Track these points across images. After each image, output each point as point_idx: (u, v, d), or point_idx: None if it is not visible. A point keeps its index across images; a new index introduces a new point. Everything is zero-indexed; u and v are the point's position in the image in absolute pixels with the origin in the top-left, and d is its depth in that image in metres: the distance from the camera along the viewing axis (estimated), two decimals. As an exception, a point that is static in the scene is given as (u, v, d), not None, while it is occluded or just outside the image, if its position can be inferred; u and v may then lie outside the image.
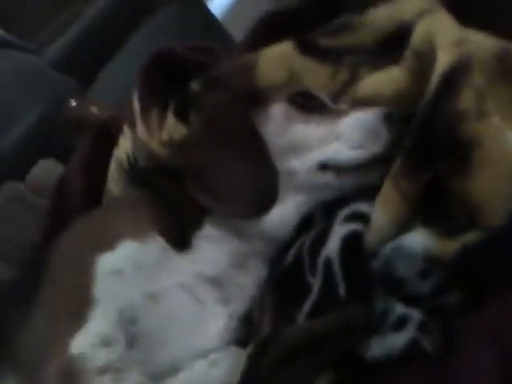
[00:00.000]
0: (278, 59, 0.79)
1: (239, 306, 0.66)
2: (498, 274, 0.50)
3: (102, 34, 2.30)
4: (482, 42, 0.60)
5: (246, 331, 0.68)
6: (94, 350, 0.55)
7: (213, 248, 0.66)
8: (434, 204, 0.58)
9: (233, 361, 0.59)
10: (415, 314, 0.53)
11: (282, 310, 0.61)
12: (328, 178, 0.64)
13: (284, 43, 0.79)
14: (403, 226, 0.57)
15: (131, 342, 0.59)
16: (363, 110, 0.65)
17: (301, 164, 0.65)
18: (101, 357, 0.54)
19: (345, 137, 0.63)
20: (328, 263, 0.56)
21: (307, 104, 0.68)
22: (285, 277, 0.62)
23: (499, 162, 0.54)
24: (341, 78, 0.74)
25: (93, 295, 0.58)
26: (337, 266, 0.56)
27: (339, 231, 0.58)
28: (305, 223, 0.65)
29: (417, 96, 0.60)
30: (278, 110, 0.69)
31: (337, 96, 0.74)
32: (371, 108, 0.65)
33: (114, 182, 0.99)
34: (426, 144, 0.56)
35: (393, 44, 0.69)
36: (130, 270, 0.61)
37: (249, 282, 0.67)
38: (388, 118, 0.62)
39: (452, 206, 0.57)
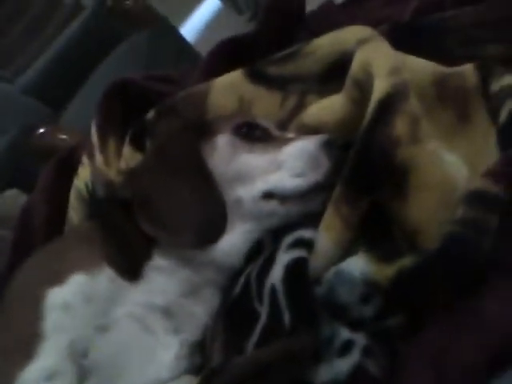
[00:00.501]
0: (228, 88, 0.80)
1: (190, 334, 0.66)
2: (433, 298, 0.51)
3: (74, 61, 2.31)
4: (419, 69, 0.62)
5: (199, 359, 0.68)
6: None
7: (163, 278, 0.67)
8: (376, 227, 0.59)
9: None
10: (360, 339, 0.53)
11: (231, 339, 0.61)
12: (273, 206, 0.64)
13: (235, 72, 0.80)
14: (347, 251, 0.58)
15: (84, 374, 0.59)
16: (305, 138, 0.66)
17: (246, 193, 0.65)
18: None
19: (287, 165, 0.64)
20: (273, 291, 0.57)
21: (251, 134, 0.69)
22: (234, 305, 0.62)
23: (434, 187, 0.55)
24: (289, 106, 0.75)
25: (42, 330, 0.59)
26: (281, 294, 0.56)
27: (283, 259, 0.58)
28: (255, 250, 0.65)
29: (357, 124, 0.61)
30: (223, 141, 0.70)
31: (285, 123, 0.75)
32: (313, 136, 0.66)
33: (74, 211, 0.99)
34: (363, 171, 0.57)
35: (337, 72, 0.70)
36: (78, 304, 0.62)
37: (200, 310, 0.67)
38: (328, 146, 0.63)
39: (393, 229, 0.58)
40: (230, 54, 0.91)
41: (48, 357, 0.57)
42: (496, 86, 0.60)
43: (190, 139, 0.70)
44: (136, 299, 0.65)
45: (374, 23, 0.77)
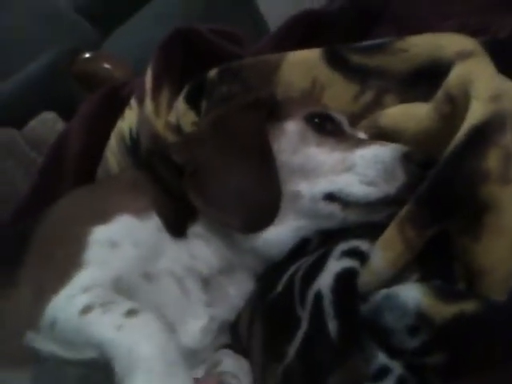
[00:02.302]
0: (303, 65, 0.75)
1: (222, 311, 0.65)
2: (485, 351, 0.48)
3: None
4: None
5: (225, 340, 0.67)
6: (72, 299, 0.54)
7: (205, 247, 0.65)
8: (437, 258, 0.56)
9: None
10: (397, 368, 0.51)
11: (271, 341, 0.59)
12: (333, 209, 0.61)
13: (313, 50, 0.75)
14: (401, 274, 0.55)
15: None
16: (382, 144, 0.62)
17: (307, 189, 0.62)
18: (81, 301, 0.53)
19: (358, 170, 0.60)
20: (319, 298, 0.54)
21: (323, 126, 0.65)
22: (275, 305, 0.60)
23: (510, 231, 0.51)
24: (364, 100, 0.71)
25: (84, 260, 0.57)
26: (328, 302, 0.53)
27: (334, 266, 0.56)
28: (301, 248, 0.63)
29: (441, 141, 0.57)
30: (293, 128, 0.66)
31: (356, 119, 0.71)
32: (390, 144, 0.61)
33: (112, 154, 0.96)
34: (441, 197, 0.53)
35: (424, 78, 0.66)
36: (126, 245, 0.60)
37: (234, 291, 0.65)
38: (406, 160, 0.59)
39: (455, 265, 0.55)
40: (307, 26, 0.85)
41: (87, 279, 0.56)
42: None
43: (258, 117, 0.66)
44: (179, 258, 0.63)
45: (467, 29, 0.71)
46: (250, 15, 1.95)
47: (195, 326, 0.62)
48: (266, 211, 0.61)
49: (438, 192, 0.53)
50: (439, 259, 0.56)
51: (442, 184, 0.53)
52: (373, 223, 0.59)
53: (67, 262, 0.57)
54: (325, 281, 0.54)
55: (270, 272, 0.64)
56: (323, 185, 0.61)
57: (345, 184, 0.60)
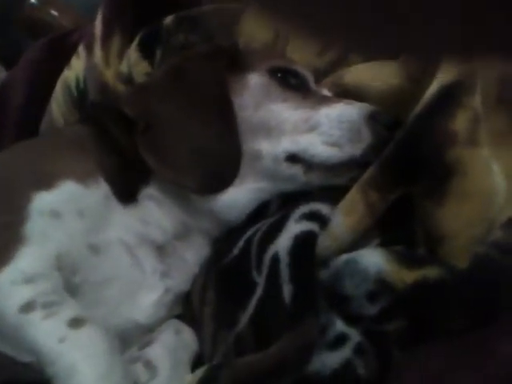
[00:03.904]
0: (265, 16, 0.70)
1: (178, 282, 0.61)
2: (446, 318, 0.47)
3: None
4: (488, 63, 0.55)
5: (178, 311, 0.63)
6: (14, 287, 0.49)
7: (158, 211, 0.60)
8: (399, 223, 0.54)
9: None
10: (355, 335, 0.50)
11: (224, 308, 0.56)
12: (295, 171, 0.57)
13: None
14: (361, 239, 0.53)
15: (72, 293, 0.52)
16: (347, 102, 0.58)
17: (269, 149, 0.58)
18: (22, 294, 0.48)
19: (322, 129, 0.57)
20: (275, 260, 0.52)
21: (288, 81, 0.61)
22: (229, 271, 0.57)
23: (477, 198, 0.50)
24: (328, 57, 0.67)
25: (24, 233, 0.52)
26: (284, 265, 0.51)
27: (293, 228, 0.53)
28: (259, 212, 0.59)
29: (408, 101, 0.54)
30: (256, 81, 0.61)
31: (320, 75, 0.67)
32: (356, 103, 0.58)
33: (57, 104, 0.90)
34: (407, 159, 0.51)
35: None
36: (70, 215, 0.55)
37: (191, 257, 0.62)
38: (373, 120, 0.56)
39: (416, 230, 0.53)
40: None
41: (29, 261, 0.51)
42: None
43: (219, 67, 0.61)
44: (130, 225, 0.58)
45: None
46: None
47: (149, 299, 0.58)
48: (224, 171, 0.57)
49: (403, 155, 0.51)
50: (400, 224, 0.54)
51: (407, 146, 0.51)
52: (335, 186, 0.57)
53: (7, 235, 0.52)
54: (282, 243, 0.52)
55: (226, 236, 0.61)
56: (286, 145, 0.57)
57: (308, 144, 0.56)
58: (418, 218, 0.52)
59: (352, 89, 0.62)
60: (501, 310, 0.45)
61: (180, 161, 0.57)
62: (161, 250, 0.60)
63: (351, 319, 0.50)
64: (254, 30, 0.70)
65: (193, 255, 0.61)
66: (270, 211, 0.59)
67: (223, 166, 0.57)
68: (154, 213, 0.60)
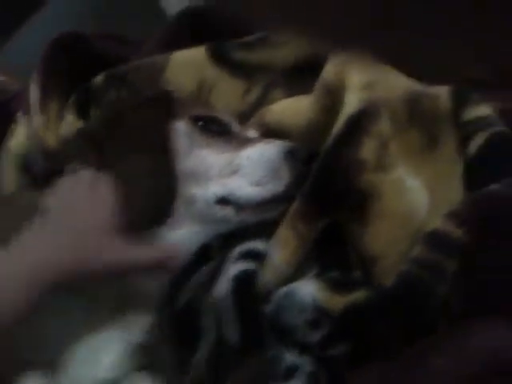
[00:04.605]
0: (189, 66, 0.74)
1: (136, 332, 0.60)
2: (381, 336, 0.49)
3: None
4: (392, 85, 0.59)
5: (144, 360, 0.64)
6: None
7: None
8: (334, 249, 0.57)
9: None
10: (306, 364, 0.52)
11: (178, 353, 0.58)
12: (227, 212, 0.60)
13: (198, 49, 0.74)
14: (300, 269, 0.56)
15: None
16: (267, 142, 0.62)
17: (200, 193, 0.60)
18: None
19: (245, 171, 0.59)
20: (218, 304, 0.54)
21: (209, 128, 0.64)
22: (180, 317, 0.59)
23: (395, 217, 0.54)
24: (252, 97, 0.71)
25: None
26: (227, 308, 0.53)
27: (231, 270, 0.55)
28: (202, 255, 0.62)
29: (325, 134, 0.58)
30: (182, 129, 0.64)
31: (246, 116, 0.70)
32: (275, 142, 0.61)
33: (8, 177, 0.91)
34: (324, 190, 0.54)
35: (309, 69, 0.66)
36: None
37: (145, 305, 0.61)
38: (290, 157, 0.59)
39: (350, 255, 0.56)
40: (192, 24, 0.83)
41: None
42: (469, 114, 0.58)
43: (157, 113, 0.64)
44: None
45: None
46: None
47: (110, 355, 0.58)
48: (156, 209, 0.59)
49: (321, 186, 0.54)
50: (336, 249, 0.57)
51: (323, 178, 0.54)
52: (269, 221, 0.59)
53: None
54: (222, 287, 0.54)
55: (174, 280, 0.63)
56: (214, 188, 0.60)
57: (234, 187, 0.59)
58: (349, 242, 0.56)
59: (274, 127, 0.66)
60: (428, 323, 0.48)
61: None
62: None
63: (301, 349, 0.52)
64: (178, 81, 0.73)
65: (146, 302, 0.61)
66: (213, 253, 0.62)
67: (156, 204, 0.59)
68: None
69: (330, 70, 0.60)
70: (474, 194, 0.52)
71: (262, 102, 0.70)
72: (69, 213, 0.57)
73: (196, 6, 0.88)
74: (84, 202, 0.57)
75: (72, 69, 0.86)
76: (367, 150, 0.53)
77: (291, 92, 0.69)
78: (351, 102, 0.55)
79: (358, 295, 0.50)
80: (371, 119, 0.54)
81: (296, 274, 0.56)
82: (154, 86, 0.74)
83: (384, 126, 0.55)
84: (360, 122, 0.54)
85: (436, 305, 0.47)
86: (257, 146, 0.61)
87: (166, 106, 0.66)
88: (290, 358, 0.52)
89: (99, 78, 0.79)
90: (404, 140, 0.58)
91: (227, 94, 0.71)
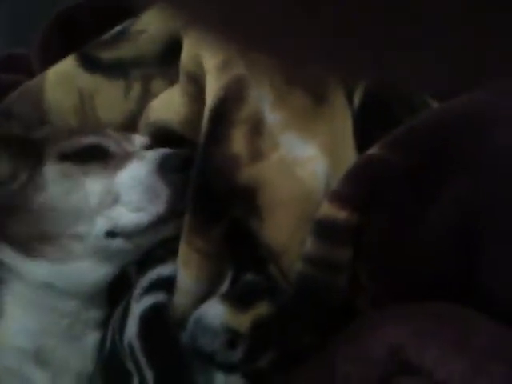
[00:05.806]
0: (64, 80, 0.67)
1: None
2: (296, 340, 0.45)
3: None
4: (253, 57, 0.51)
5: None
6: None
7: (23, 311, 0.57)
8: (246, 252, 0.52)
9: None
10: (236, 382, 0.49)
11: None
12: (119, 243, 0.55)
13: (68, 59, 0.67)
14: (213, 284, 0.52)
15: None
16: (138, 158, 0.55)
17: (87, 231, 0.55)
18: None
19: (123, 199, 0.54)
20: (131, 348, 0.50)
21: (82, 156, 0.57)
22: (107, 362, 0.55)
23: (288, 202, 0.48)
24: (134, 95, 0.64)
25: None
26: (139, 351, 0.49)
27: (136, 309, 0.51)
28: (120, 289, 0.57)
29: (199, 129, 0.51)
30: (51, 172, 0.58)
31: (136, 116, 0.64)
32: (145, 156, 0.55)
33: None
34: (206, 196, 0.48)
35: (177, 53, 0.58)
36: None
37: (74, 354, 0.58)
38: (164, 170, 0.53)
39: (259, 252, 0.51)
40: (66, 30, 0.76)
41: None
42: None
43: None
44: (4, 347, 0.56)
45: None
46: None
47: None
48: None
49: (201, 193, 0.48)
50: (250, 251, 0.52)
51: (202, 183, 0.48)
52: (171, 238, 0.55)
53: None
54: (131, 329, 0.50)
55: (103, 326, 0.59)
56: (100, 223, 0.55)
57: (117, 218, 0.54)
58: (254, 241, 0.50)
59: (159, 126, 0.59)
60: (336, 315, 0.44)
61: None
62: (37, 356, 0.57)
63: (228, 368, 0.49)
64: (58, 99, 0.67)
65: (75, 350, 0.58)
66: (131, 284, 0.57)
67: None
68: (18, 314, 0.57)
69: (186, 55, 0.53)
70: (354, 165, 0.45)
71: (146, 96, 0.63)
72: None
73: (67, 6, 0.80)
74: None
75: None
76: (237, 142, 0.47)
77: (171, 79, 0.61)
78: (212, 89, 0.48)
79: (261, 309, 0.46)
80: (233, 106, 0.47)
81: (210, 287, 0.52)
82: (38, 113, 0.68)
83: (253, 104, 0.48)
84: (223, 114, 0.47)
85: (339, 296, 0.43)
86: (128, 167, 0.55)
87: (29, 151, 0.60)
88: (220, 379, 0.49)
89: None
90: (291, 104, 0.51)
91: (109, 98, 0.64)
